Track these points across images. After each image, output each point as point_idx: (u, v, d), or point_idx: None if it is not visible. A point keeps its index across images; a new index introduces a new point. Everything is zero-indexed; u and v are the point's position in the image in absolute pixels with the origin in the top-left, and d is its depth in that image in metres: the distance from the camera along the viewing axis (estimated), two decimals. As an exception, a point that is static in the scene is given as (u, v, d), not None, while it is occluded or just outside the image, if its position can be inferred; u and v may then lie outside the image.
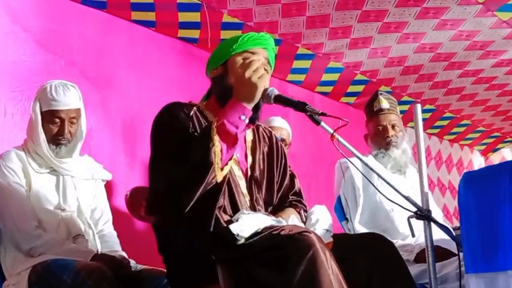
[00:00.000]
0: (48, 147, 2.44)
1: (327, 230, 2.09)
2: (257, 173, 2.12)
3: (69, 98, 2.47)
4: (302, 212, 2.17)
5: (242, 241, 1.77)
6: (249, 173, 2.10)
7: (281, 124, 3.35)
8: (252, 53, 2.08)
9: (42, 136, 2.43)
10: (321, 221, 2.14)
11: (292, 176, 2.26)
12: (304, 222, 2.16)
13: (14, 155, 2.41)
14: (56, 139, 2.46)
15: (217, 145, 1.81)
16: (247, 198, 2.06)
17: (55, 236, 2.34)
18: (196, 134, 1.93)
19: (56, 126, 2.46)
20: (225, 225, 1.84)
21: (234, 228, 1.78)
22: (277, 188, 2.18)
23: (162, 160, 1.90)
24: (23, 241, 2.29)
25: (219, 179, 1.86)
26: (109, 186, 2.91)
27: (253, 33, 2.12)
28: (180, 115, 2.00)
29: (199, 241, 1.85)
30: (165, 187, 1.87)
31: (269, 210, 2.12)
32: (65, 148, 2.48)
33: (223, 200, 1.99)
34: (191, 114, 2.02)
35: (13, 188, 2.35)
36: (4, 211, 2.33)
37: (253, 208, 2.04)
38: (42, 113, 2.45)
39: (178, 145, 1.87)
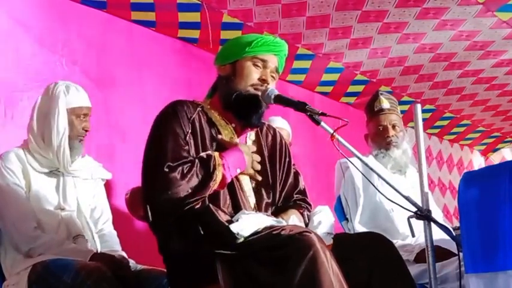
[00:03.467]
0: (68, 146, 2.44)
1: (328, 233, 2.08)
2: (261, 173, 2.12)
3: (85, 94, 2.57)
4: (305, 212, 2.17)
5: (242, 240, 1.77)
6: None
7: (281, 124, 3.35)
8: (262, 60, 2.09)
9: (65, 133, 2.43)
10: (322, 223, 2.14)
11: (297, 174, 2.27)
12: (307, 224, 2.16)
13: (13, 155, 2.41)
14: (80, 134, 2.50)
15: (217, 182, 1.93)
16: (251, 198, 2.07)
17: (54, 237, 2.34)
18: (200, 151, 2.00)
19: (83, 121, 2.51)
20: (225, 224, 1.84)
21: (234, 227, 1.78)
22: (280, 188, 2.19)
23: (157, 164, 1.92)
24: (21, 242, 2.29)
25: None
26: (109, 186, 2.91)
27: (268, 38, 2.13)
28: (182, 117, 2.02)
29: (194, 243, 1.86)
30: (157, 194, 1.92)
31: (273, 210, 2.12)
32: (82, 144, 2.52)
33: (226, 201, 2.00)
34: (194, 116, 2.04)
35: (12, 189, 2.35)
36: (3, 212, 2.33)
37: (256, 208, 2.05)
38: (68, 109, 2.46)
39: (173, 151, 1.93)
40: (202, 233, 1.83)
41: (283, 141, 2.29)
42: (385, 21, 3.74)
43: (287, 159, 2.25)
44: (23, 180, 2.39)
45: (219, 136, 2.08)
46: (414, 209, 1.87)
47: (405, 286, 1.93)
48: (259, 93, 2.07)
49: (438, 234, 1.98)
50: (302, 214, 2.15)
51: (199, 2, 3.38)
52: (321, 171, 4.42)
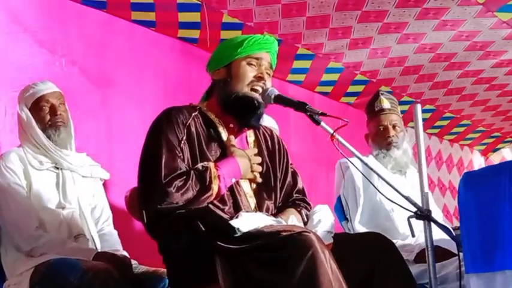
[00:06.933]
0: (48, 138, 2.45)
1: (328, 232, 2.09)
2: (261, 174, 2.12)
3: (47, 84, 2.57)
4: (303, 211, 2.18)
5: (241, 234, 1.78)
6: None
7: (268, 123, 3.27)
8: (256, 58, 2.11)
9: (38, 130, 2.45)
10: (322, 222, 2.14)
11: (295, 174, 2.27)
12: (305, 223, 2.16)
13: (14, 155, 2.41)
14: (53, 122, 2.49)
15: (214, 194, 1.95)
16: (251, 199, 2.08)
17: (56, 236, 2.34)
18: (195, 162, 2.01)
19: (47, 110, 2.50)
20: (225, 219, 1.86)
21: (234, 222, 1.80)
22: (280, 188, 2.19)
23: (152, 176, 1.94)
24: (23, 242, 2.28)
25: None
26: (109, 186, 2.91)
27: (258, 37, 2.14)
28: (177, 124, 2.02)
29: (193, 240, 1.86)
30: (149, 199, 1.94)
31: (274, 211, 2.13)
32: (64, 130, 2.51)
33: (227, 203, 2.00)
34: (189, 121, 2.04)
35: (13, 189, 2.35)
36: (4, 212, 2.33)
37: (257, 210, 2.05)
38: (30, 109, 2.49)
39: (168, 162, 1.94)
40: (202, 229, 1.83)
41: (281, 141, 2.30)
42: (385, 22, 3.74)
43: (285, 159, 2.25)
44: (24, 179, 2.39)
45: (224, 138, 2.09)
46: (414, 209, 1.88)
47: (406, 286, 1.93)
48: (258, 94, 2.07)
49: (438, 234, 1.98)
50: (300, 213, 2.16)
51: (199, 2, 3.38)
52: (321, 171, 4.42)
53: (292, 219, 2.05)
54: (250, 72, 2.10)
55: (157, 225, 1.94)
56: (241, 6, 3.42)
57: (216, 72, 2.17)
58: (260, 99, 2.08)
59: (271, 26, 3.64)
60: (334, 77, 4.50)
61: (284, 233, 1.71)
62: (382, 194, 1.97)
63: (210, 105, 2.17)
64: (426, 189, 1.94)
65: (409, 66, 4.44)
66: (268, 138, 2.26)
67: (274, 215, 2.06)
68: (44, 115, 2.49)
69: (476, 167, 6.40)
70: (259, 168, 2.10)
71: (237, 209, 2.00)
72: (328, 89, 4.69)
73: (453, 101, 5.21)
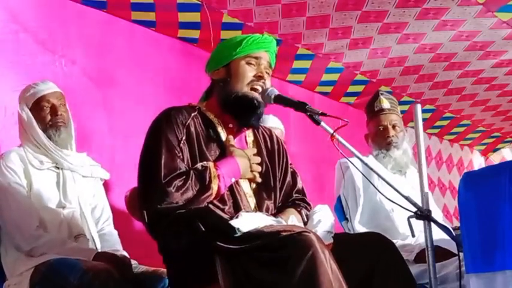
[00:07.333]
0: (48, 138, 2.46)
1: (328, 232, 2.09)
2: (260, 174, 2.12)
3: (48, 84, 2.57)
4: (303, 211, 2.18)
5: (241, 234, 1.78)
6: None
7: (274, 123, 3.29)
8: (256, 57, 2.11)
9: (39, 130, 2.45)
10: (322, 222, 2.14)
11: (294, 174, 2.27)
12: (305, 222, 2.16)
13: (14, 154, 2.41)
14: (53, 122, 2.50)
15: (213, 194, 1.95)
16: (251, 199, 2.08)
17: (56, 236, 2.34)
18: (194, 162, 2.01)
19: (48, 110, 2.51)
20: (225, 219, 1.86)
21: (234, 222, 1.80)
22: (279, 188, 2.19)
23: (152, 176, 1.94)
24: (23, 242, 2.28)
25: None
26: (109, 186, 2.91)
27: (257, 36, 2.14)
28: (176, 124, 2.03)
29: (193, 240, 1.86)
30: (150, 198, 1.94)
31: (274, 211, 2.13)
32: (64, 130, 2.51)
33: (227, 202, 2.00)
34: (189, 121, 2.04)
35: (13, 189, 2.35)
36: (5, 212, 2.33)
37: (256, 209, 2.05)
38: (30, 109, 2.50)
39: (167, 162, 1.94)
40: (202, 229, 1.83)
41: (280, 141, 2.30)
42: (385, 22, 3.74)
43: (285, 159, 2.26)
44: (24, 179, 2.39)
45: (223, 138, 2.09)
46: (414, 209, 1.88)
47: (406, 286, 1.93)
48: (258, 94, 2.08)
49: (438, 234, 1.98)
50: (300, 213, 2.16)
51: (199, 2, 3.38)
52: (321, 171, 4.42)
53: (292, 219, 2.05)
54: (249, 72, 2.10)
55: (158, 225, 1.94)
56: (241, 6, 3.42)
57: (216, 72, 2.17)
58: (260, 99, 2.08)
59: (271, 26, 3.64)
60: (334, 77, 4.50)
61: (284, 233, 1.71)
62: (382, 194, 1.97)
63: (209, 105, 2.17)
64: (426, 189, 1.94)
65: (409, 66, 4.44)
66: (268, 139, 2.26)
67: (274, 215, 2.06)
68: (44, 115, 2.50)
69: (476, 167, 6.40)
70: (259, 168, 2.10)
71: (236, 209, 2.01)
72: (328, 89, 4.70)
73: (453, 101, 5.22)
